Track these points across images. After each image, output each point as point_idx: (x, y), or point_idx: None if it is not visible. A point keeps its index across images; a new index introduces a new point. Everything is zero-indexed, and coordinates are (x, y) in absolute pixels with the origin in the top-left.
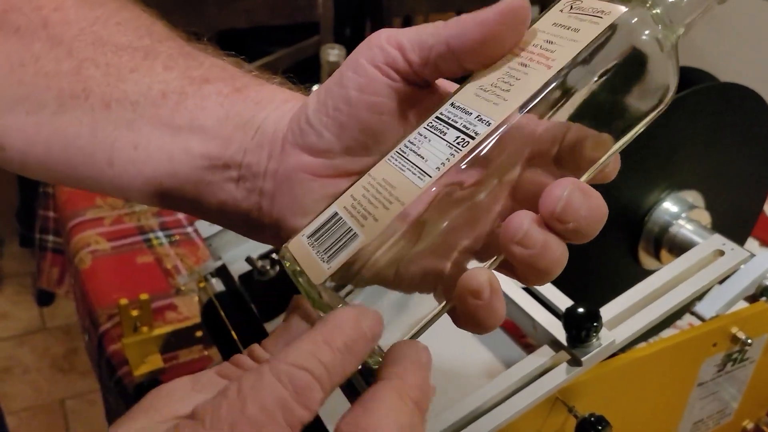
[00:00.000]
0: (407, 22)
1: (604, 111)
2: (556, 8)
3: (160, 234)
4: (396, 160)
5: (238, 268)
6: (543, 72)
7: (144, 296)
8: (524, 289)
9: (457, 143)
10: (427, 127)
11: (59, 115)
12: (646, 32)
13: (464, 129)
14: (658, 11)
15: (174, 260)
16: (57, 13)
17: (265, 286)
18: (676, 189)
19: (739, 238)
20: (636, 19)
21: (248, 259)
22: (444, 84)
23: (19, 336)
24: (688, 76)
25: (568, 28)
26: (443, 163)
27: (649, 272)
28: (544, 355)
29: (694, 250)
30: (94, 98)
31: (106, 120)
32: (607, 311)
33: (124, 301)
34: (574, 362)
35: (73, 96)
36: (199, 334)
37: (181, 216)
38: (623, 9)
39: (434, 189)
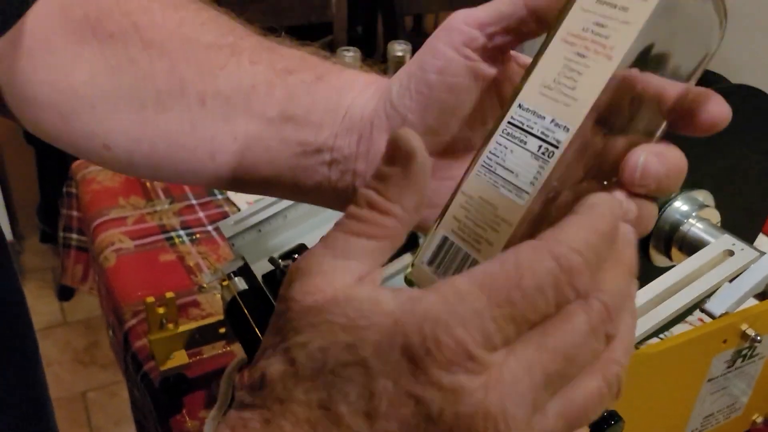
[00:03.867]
0: (418, 21)
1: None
2: None
3: (182, 233)
4: (486, 175)
5: (260, 267)
6: (604, 64)
7: (170, 294)
8: None
9: (542, 153)
10: (505, 136)
11: (160, 113)
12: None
13: (543, 137)
14: None
15: (196, 258)
16: (145, 16)
17: None
18: (686, 188)
19: (749, 235)
20: None
21: (271, 260)
22: (516, 56)
23: (41, 330)
24: (699, 79)
25: (614, 6)
26: (536, 177)
27: (660, 269)
28: None
29: (704, 251)
30: (190, 96)
31: (203, 115)
32: None
33: (150, 299)
34: None
35: (171, 95)
36: (222, 330)
37: (201, 215)
38: None
39: (533, 204)
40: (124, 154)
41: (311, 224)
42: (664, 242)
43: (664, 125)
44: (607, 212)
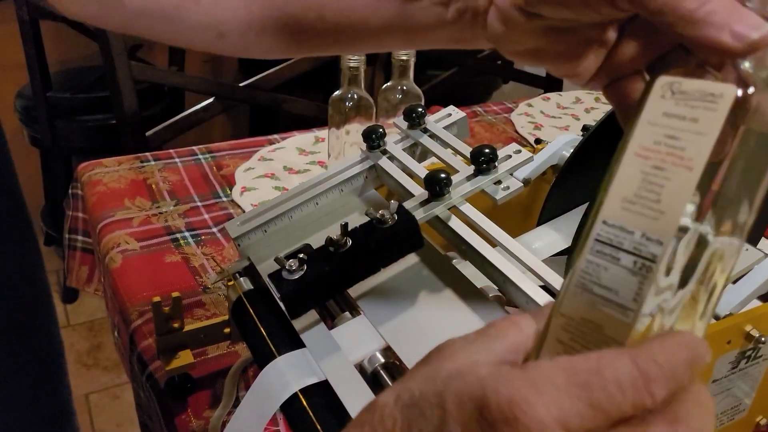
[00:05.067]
0: None
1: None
2: (655, 95)
3: (187, 234)
4: (583, 294)
5: (266, 267)
6: (686, 175)
7: (175, 294)
8: (542, 287)
9: (640, 269)
10: (595, 254)
11: None
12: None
13: (637, 252)
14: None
15: (201, 259)
16: None
17: (293, 284)
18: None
19: (753, 237)
20: (752, 90)
21: (277, 259)
22: None
23: None
24: None
25: (684, 119)
26: (638, 294)
27: None
28: None
29: None
30: None
31: None
32: None
33: (156, 299)
34: None
35: None
36: (227, 330)
37: (206, 216)
38: (734, 88)
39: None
40: (240, 40)
41: (317, 225)
42: None
43: None
44: (691, 343)
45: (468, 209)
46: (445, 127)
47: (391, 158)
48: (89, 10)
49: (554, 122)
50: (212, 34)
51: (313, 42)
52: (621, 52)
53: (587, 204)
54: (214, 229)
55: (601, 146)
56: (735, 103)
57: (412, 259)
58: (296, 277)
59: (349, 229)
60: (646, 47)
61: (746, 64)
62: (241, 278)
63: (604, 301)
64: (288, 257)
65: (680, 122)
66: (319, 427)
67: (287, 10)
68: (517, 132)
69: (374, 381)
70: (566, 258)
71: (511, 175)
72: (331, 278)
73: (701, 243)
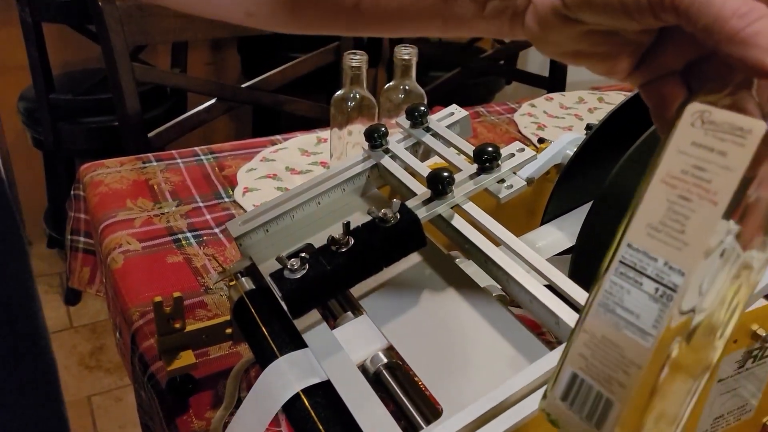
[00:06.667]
0: None
1: None
2: (685, 122)
3: (189, 235)
4: (605, 314)
5: (267, 267)
6: (710, 209)
7: (177, 294)
8: (546, 286)
9: (661, 296)
10: (618, 275)
11: None
12: None
13: (659, 279)
14: None
15: (203, 260)
16: None
17: (295, 284)
18: None
19: None
20: None
21: (278, 258)
22: None
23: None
24: None
25: (712, 150)
26: (657, 321)
27: None
28: None
29: None
30: None
31: None
32: None
33: (158, 299)
34: None
35: None
36: (228, 330)
37: (208, 217)
38: (763, 124)
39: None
40: (270, 19)
41: (319, 224)
42: None
43: None
44: None
45: (471, 208)
46: (448, 126)
47: (394, 157)
48: None
49: (557, 122)
50: (241, 13)
51: (344, 24)
52: (658, 54)
53: (591, 203)
54: (216, 230)
55: (604, 145)
56: (766, 135)
57: (414, 258)
58: (298, 276)
59: (352, 228)
60: (682, 49)
61: None
62: (243, 278)
63: (626, 323)
64: (290, 257)
65: (708, 154)
66: (320, 427)
67: None
68: (520, 132)
69: (377, 381)
70: (570, 257)
71: (515, 173)
72: (334, 277)
73: (745, 266)
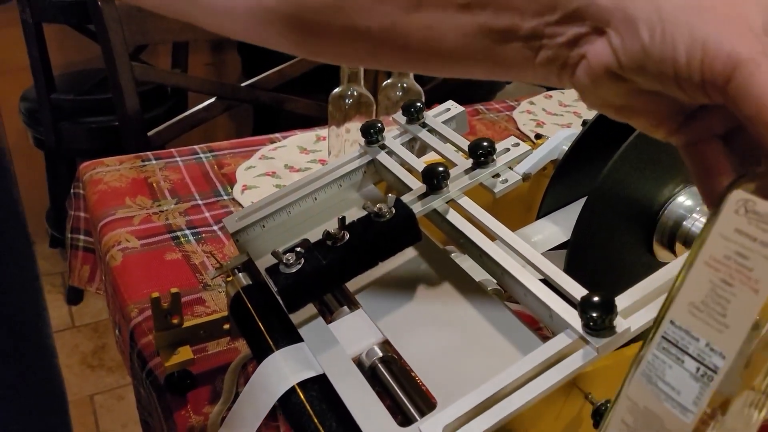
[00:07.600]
0: None
1: None
2: (729, 208)
3: (188, 232)
4: (648, 385)
5: (264, 262)
6: (751, 297)
7: (174, 290)
8: (541, 280)
9: (702, 376)
10: (661, 350)
11: None
12: None
13: (700, 359)
14: None
15: (201, 257)
16: None
17: (291, 278)
18: (690, 184)
19: None
20: None
21: (274, 253)
22: None
23: None
24: None
25: (755, 240)
26: (698, 398)
27: (664, 265)
28: (560, 342)
29: None
30: None
31: None
32: (622, 300)
33: (155, 294)
34: (590, 349)
35: None
36: (226, 326)
37: (207, 214)
38: None
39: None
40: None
41: (315, 220)
42: (668, 237)
43: None
44: None
45: (466, 203)
46: (444, 122)
47: (390, 153)
48: None
49: (556, 120)
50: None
51: (387, 61)
52: (701, 117)
53: (586, 197)
54: (215, 227)
55: (600, 139)
56: None
57: (410, 252)
58: (294, 270)
59: (347, 223)
60: (726, 115)
61: None
62: (240, 274)
63: (666, 396)
64: (285, 251)
65: (751, 243)
66: (316, 420)
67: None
68: (519, 129)
69: (372, 375)
70: (565, 252)
71: (510, 168)
72: (329, 272)
73: None
